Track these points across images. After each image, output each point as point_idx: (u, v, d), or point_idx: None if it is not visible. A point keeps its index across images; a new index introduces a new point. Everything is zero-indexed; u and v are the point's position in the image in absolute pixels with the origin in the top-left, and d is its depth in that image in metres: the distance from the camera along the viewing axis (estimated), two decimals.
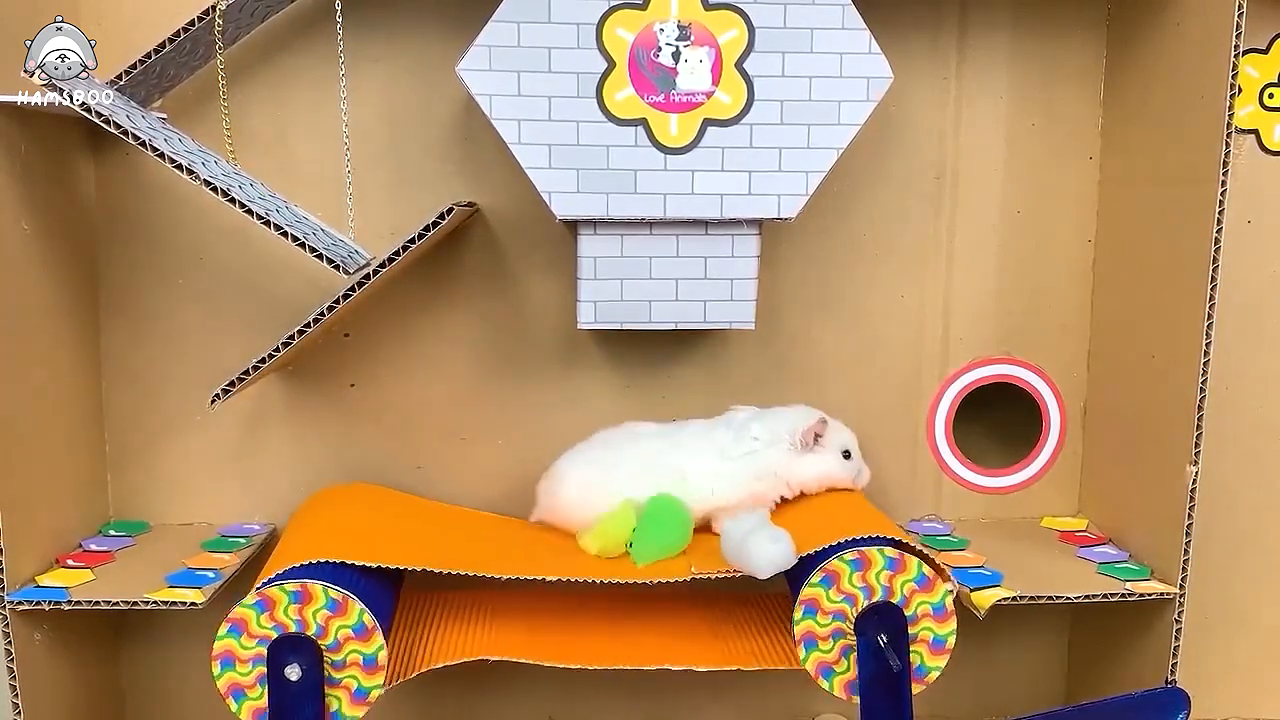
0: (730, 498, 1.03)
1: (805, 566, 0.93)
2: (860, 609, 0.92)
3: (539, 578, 0.94)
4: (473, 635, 0.99)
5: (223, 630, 0.88)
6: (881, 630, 0.92)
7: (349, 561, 0.90)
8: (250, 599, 0.88)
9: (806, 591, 0.92)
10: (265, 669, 0.88)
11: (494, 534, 1.06)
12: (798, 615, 0.92)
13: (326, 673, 0.88)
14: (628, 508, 1.00)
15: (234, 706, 0.89)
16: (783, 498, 1.05)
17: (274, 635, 0.88)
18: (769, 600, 1.10)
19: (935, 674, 0.94)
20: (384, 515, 1.05)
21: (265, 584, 0.88)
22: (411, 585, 1.07)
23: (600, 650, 0.97)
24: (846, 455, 1.06)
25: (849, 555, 0.91)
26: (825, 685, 0.93)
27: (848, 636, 0.93)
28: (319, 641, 0.88)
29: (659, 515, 1.00)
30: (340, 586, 0.88)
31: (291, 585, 0.87)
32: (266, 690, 0.88)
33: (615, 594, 1.07)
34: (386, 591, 0.95)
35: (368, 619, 0.88)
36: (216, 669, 0.88)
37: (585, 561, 0.99)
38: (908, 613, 0.92)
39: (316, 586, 0.88)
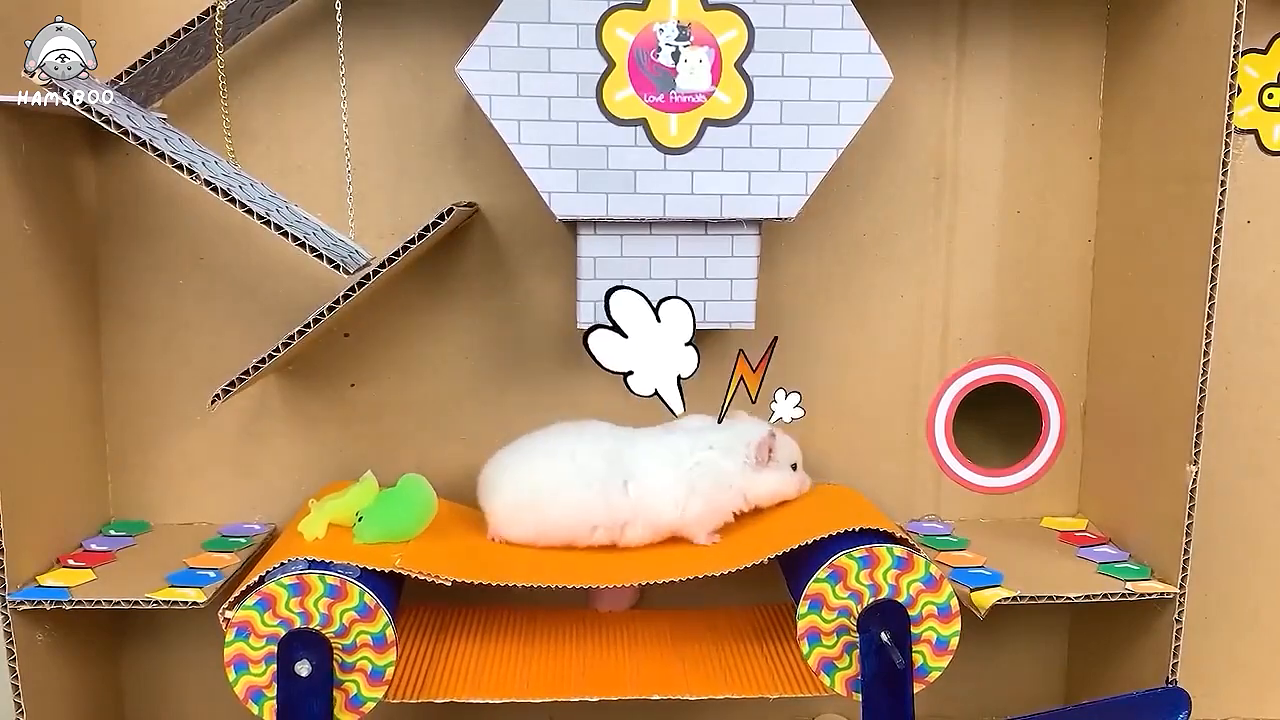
0: (693, 509, 0.99)
1: (811, 560, 0.93)
2: (865, 606, 0.92)
3: (537, 585, 0.94)
4: (471, 664, 0.99)
5: (230, 635, 0.88)
6: (884, 628, 0.92)
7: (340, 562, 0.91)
8: (251, 599, 0.87)
9: (812, 587, 0.92)
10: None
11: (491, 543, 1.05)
12: (802, 610, 0.92)
13: (340, 659, 0.88)
14: (370, 483, 0.99)
15: (255, 709, 0.88)
16: (740, 511, 1.01)
17: (281, 632, 0.88)
18: (772, 614, 1.10)
19: (937, 674, 0.94)
20: None
21: (257, 583, 0.89)
22: (408, 594, 1.07)
23: (606, 679, 0.96)
24: (794, 467, 1.03)
25: (858, 552, 0.91)
26: (827, 681, 0.93)
27: (851, 633, 0.93)
28: (326, 629, 0.88)
29: (396, 496, 0.98)
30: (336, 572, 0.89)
31: (288, 579, 0.87)
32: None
33: (615, 615, 1.07)
34: (384, 583, 0.94)
35: (369, 599, 0.88)
36: (231, 674, 0.88)
37: (583, 570, 0.98)
38: (913, 612, 0.92)
39: (312, 576, 0.88)
